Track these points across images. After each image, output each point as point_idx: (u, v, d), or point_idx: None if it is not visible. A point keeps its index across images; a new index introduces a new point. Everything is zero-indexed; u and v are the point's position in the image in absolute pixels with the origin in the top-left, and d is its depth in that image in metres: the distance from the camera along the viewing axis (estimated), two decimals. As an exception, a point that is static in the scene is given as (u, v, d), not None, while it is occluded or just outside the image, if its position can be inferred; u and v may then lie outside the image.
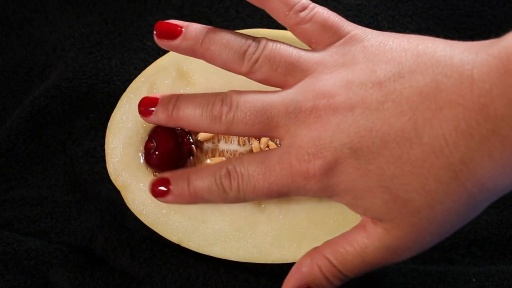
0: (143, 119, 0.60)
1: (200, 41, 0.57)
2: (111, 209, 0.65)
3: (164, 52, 0.64)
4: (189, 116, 0.58)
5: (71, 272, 0.62)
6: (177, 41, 0.58)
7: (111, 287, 0.62)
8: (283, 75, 0.56)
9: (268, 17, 0.59)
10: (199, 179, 0.58)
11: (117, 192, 0.62)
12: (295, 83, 0.56)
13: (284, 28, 0.59)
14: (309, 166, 0.54)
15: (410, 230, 0.53)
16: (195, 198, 0.59)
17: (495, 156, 0.50)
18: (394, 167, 0.52)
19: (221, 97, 0.57)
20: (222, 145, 0.61)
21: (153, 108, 0.59)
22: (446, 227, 0.53)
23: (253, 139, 0.62)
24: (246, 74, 0.57)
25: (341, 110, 0.53)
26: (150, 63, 0.64)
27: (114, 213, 0.64)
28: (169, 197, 0.59)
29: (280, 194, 0.56)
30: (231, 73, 0.58)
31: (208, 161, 0.61)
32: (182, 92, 0.62)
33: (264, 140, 0.62)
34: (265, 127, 0.56)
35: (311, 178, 0.54)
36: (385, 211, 0.53)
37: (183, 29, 0.58)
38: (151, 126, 0.62)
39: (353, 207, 0.55)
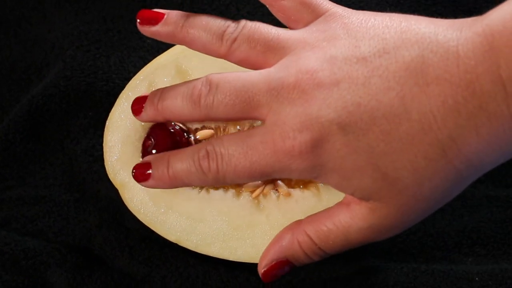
0: (136, 118, 0.59)
1: (181, 25, 0.57)
2: (110, 209, 0.64)
3: (164, 50, 0.63)
4: (171, 105, 0.57)
5: (69, 272, 0.61)
6: (157, 27, 0.57)
7: None
8: (262, 52, 0.55)
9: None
10: (179, 162, 0.56)
11: (116, 191, 0.62)
12: (276, 61, 0.55)
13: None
14: (294, 143, 0.52)
15: (396, 209, 0.53)
16: (175, 181, 0.57)
17: (482, 132, 0.50)
18: (384, 144, 0.51)
19: (201, 80, 0.56)
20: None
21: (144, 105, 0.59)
22: (431, 204, 0.53)
23: None
24: (225, 56, 0.56)
25: (326, 84, 0.52)
26: (149, 61, 0.64)
27: (113, 213, 0.64)
28: (150, 181, 0.58)
29: (263, 175, 0.54)
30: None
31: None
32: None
33: None
34: (246, 107, 0.54)
35: (297, 157, 0.52)
36: (374, 190, 0.53)
37: (164, 15, 0.57)
38: (150, 124, 0.61)
39: (341, 187, 0.54)
